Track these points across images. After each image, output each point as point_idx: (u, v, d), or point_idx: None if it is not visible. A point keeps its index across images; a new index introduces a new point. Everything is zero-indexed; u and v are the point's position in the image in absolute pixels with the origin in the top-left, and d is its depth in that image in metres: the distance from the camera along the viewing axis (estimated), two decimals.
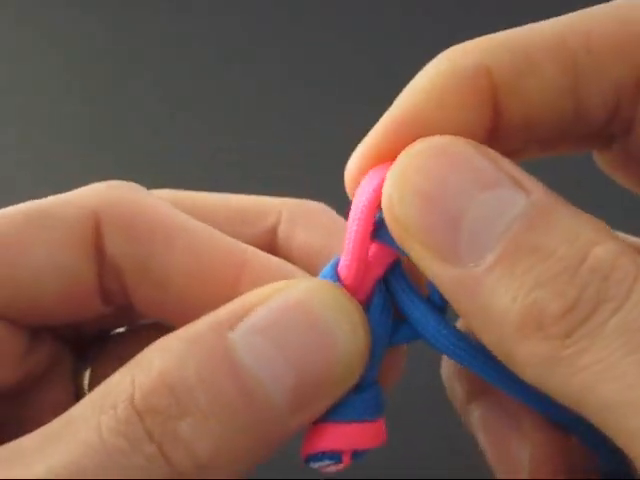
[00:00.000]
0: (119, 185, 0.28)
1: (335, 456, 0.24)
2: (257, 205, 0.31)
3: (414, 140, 0.23)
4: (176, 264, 0.27)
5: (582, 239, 0.20)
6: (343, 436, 0.24)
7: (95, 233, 0.27)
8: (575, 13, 0.24)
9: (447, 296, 0.22)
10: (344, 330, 0.22)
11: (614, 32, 0.23)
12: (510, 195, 0.21)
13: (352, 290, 0.24)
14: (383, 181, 0.22)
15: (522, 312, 0.20)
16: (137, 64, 0.68)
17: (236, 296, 0.24)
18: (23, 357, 0.27)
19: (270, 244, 0.31)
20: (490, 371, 0.23)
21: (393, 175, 0.22)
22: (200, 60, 0.67)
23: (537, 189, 0.21)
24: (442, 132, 0.23)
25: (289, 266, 0.27)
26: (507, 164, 0.22)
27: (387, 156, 0.23)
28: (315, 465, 0.25)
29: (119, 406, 0.21)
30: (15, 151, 0.63)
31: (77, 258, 0.27)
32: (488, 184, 0.21)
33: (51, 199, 0.28)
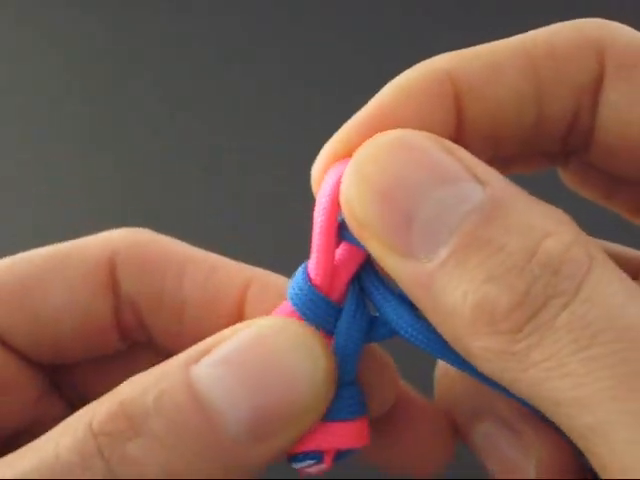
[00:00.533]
0: (133, 229, 0.30)
1: (317, 456, 0.24)
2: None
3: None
4: (187, 293, 0.28)
5: (534, 232, 0.20)
6: (324, 435, 0.24)
7: (110, 272, 0.28)
8: (539, 28, 0.25)
9: (405, 291, 0.22)
10: (304, 364, 0.23)
11: (573, 40, 0.24)
12: (466, 188, 0.21)
13: (324, 289, 0.24)
14: (342, 177, 0.22)
15: (473, 307, 0.20)
16: (137, 64, 0.68)
17: (241, 316, 0.27)
18: (35, 402, 0.28)
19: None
20: (465, 363, 0.23)
21: (350, 170, 0.22)
22: (200, 60, 0.67)
23: (495, 181, 0.21)
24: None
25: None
26: (466, 156, 0.22)
27: (350, 155, 0.23)
28: (297, 466, 0.25)
29: (79, 428, 0.22)
30: (15, 151, 0.63)
31: (93, 297, 0.28)
32: (444, 178, 0.21)
33: (69, 243, 0.29)
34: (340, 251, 0.25)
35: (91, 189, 0.60)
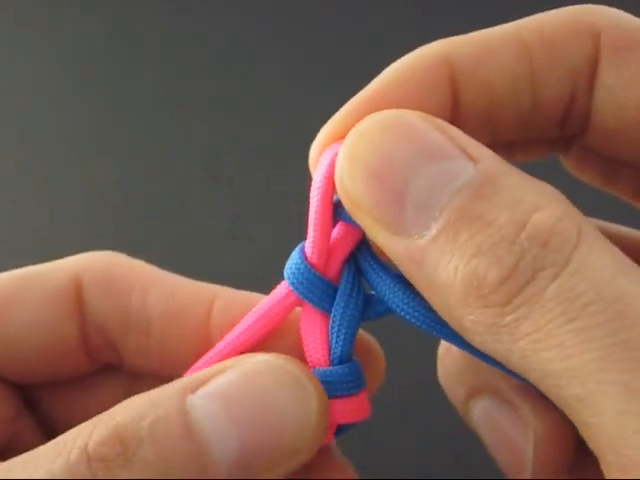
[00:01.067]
0: (100, 253, 0.30)
1: None
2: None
3: None
4: (153, 310, 0.28)
5: (523, 205, 0.20)
6: None
7: (77, 295, 0.29)
8: (534, 15, 0.25)
9: (399, 267, 0.22)
10: (296, 405, 0.23)
11: (566, 24, 0.25)
12: (457, 165, 0.21)
13: (320, 268, 0.25)
14: (335, 159, 0.23)
15: (463, 281, 0.20)
16: (137, 64, 0.68)
17: (208, 331, 0.27)
18: (10, 422, 0.29)
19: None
20: (461, 339, 0.23)
21: (342, 149, 0.22)
22: (200, 60, 0.67)
23: (486, 158, 0.21)
24: None
25: (256, 297, 0.28)
26: (457, 134, 0.22)
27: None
28: None
29: (73, 451, 0.22)
30: (15, 151, 0.63)
31: (59, 318, 0.29)
32: (434, 155, 0.21)
33: (37, 266, 0.30)
34: (336, 231, 0.25)
35: (91, 189, 0.60)
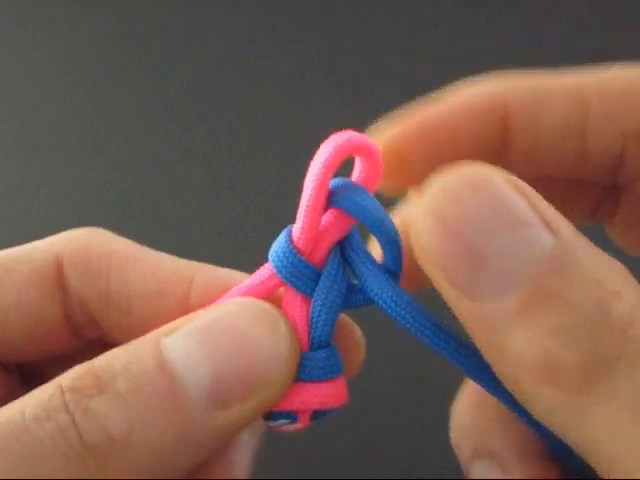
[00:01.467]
0: (81, 230, 0.31)
1: (290, 415, 0.25)
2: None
3: (425, 141, 0.26)
4: (132, 287, 0.29)
5: (602, 289, 0.20)
6: (297, 396, 0.25)
7: (57, 272, 0.29)
8: (595, 70, 0.27)
9: (465, 327, 0.22)
10: (267, 338, 0.24)
11: (629, 86, 0.25)
12: (537, 235, 0.21)
13: (305, 253, 0.25)
14: (337, 148, 0.24)
15: (537, 359, 0.20)
16: (137, 64, 0.68)
17: (187, 308, 0.28)
18: (3, 400, 0.29)
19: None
20: (444, 343, 0.24)
21: (423, 205, 0.22)
22: (200, 60, 0.67)
23: (564, 230, 0.21)
24: (451, 144, 0.26)
25: (236, 275, 0.29)
26: (539, 201, 0.22)
27: (398, 147, 0.26)
28: (271, 424, 0.25)
29: (48, 390, 0.23)
30: (15, 151, 0.63)
31: (42, 297, 0.29)
32: (516, 222, 0.21)
33: (18, 247, 0.30)
34: (326, 218, 0.25)
35: (91, 189, 0.60)
